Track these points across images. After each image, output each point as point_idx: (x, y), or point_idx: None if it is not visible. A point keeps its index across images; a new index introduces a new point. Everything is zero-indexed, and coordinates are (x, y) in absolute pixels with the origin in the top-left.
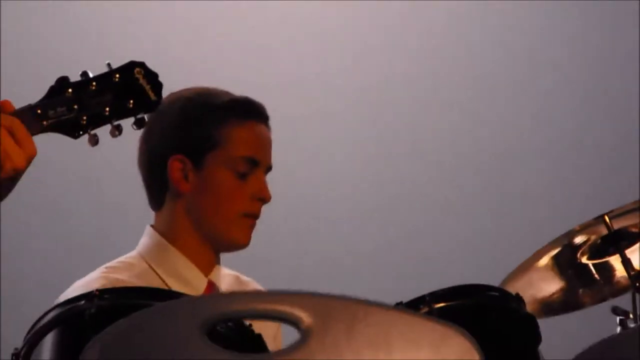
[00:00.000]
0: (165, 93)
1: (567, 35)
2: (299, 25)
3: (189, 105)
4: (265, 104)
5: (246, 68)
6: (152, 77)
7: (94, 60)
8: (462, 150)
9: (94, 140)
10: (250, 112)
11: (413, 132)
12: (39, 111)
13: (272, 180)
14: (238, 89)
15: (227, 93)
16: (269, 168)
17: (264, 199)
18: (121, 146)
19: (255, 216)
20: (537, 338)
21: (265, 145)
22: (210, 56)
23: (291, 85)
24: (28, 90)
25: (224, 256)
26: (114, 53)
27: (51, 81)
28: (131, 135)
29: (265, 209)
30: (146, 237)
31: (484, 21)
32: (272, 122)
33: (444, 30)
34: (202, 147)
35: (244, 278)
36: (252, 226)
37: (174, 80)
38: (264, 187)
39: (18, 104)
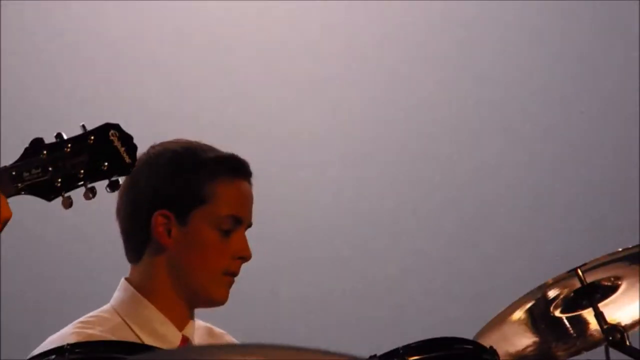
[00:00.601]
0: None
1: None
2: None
3: (177, 159)
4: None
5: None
6: (127, 140)
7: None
8: (433, 201)
9: (68, 203)
10: (237, 169)
11: (392, 180)
12: (13, 173)
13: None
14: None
15: (212, 149)
16: (249, 225)
17: (245, 257)
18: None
19: (234, 274)
20: None
21: (249, 203)
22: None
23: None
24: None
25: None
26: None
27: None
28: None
29: None
30: (121, 291)
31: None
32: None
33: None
34: (188, 203)
35: (217, 330)
36: (231, 284)
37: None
38: (245, 246)
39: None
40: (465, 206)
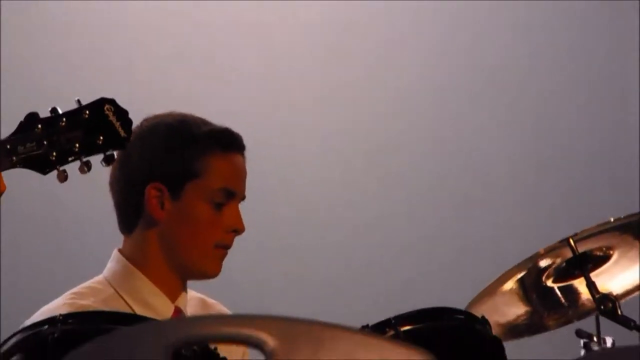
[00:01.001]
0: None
1: (528, 56)
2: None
3: (171, 132)
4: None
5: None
6: (122, 114)
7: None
8: (425, 171)
9: (63, 176)
10: (231, 143)
11: (378, 158)
12: (8, 147)
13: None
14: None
15: (206, 122)
16: (243, 198)
17: (238, 230)
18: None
19: (227, 247)
20: None
21: (242, 176)
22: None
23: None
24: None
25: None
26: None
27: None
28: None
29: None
30: (113, 262)
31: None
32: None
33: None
34: (181, 177)
35: (210, 301)
36: (223, 257)
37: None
38: (239, 219)
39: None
40: (457, 175)
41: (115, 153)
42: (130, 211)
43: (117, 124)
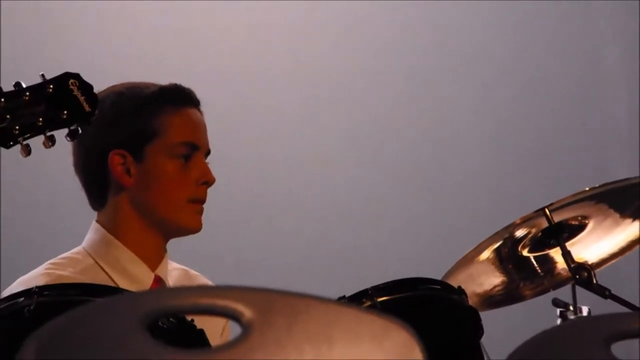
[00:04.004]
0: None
1: (505, 27)
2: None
3: (121, 99)
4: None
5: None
6: (87, 89)
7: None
8: (399, 141)
9: (27, 151)
10: (182, 98)
11: (352, 122)
12: None
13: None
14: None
15: (155, 84)
16: (208, 152)
17: (208, 182)
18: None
19: (201, 201)
20: (479, 331)
21: (201, 129)
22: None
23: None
24: None
25: (187, 251)
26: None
27: None
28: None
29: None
30: (91, 233)
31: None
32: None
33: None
34: (140, 139)
35: (192, 272)
36: (200, 211)
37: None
38: (206, 170)
39: None
40: (430, 145)
41: (79, 128)
42: (98, 184)
43: (82, 99)
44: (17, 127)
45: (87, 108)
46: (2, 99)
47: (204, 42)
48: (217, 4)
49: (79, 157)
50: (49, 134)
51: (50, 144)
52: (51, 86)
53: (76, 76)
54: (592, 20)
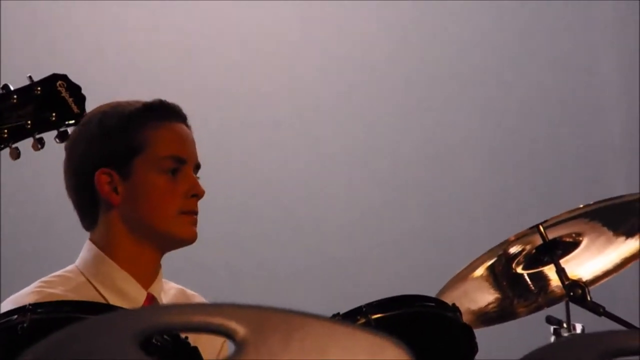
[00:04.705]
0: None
1: (500, 42)
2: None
3: (106, 117)
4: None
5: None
6: (75, 90)
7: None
8: (395, 156)
9: (16, 154)
10: (166, 113)
11: (347, 136)
12: None
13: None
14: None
15: (139, 101)
16: (197, 166)
17: (197, 194)
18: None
19: (193, 212)
20: (473, 348)
21: (187, 142)
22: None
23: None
24: None
25: (180, 264)
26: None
27: None
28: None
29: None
30: (85, 251)
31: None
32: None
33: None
34: (126, 155)
35: (189, 292)
36: (194, 222)
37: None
38: (195, 183)
39: None
40: (426, 160)
41: (69, 130)
42: (88, 204)
43: (70, 100)
44: (5, 131)
45: (75, 109)
46: None
47: (198, 53)
48: (211, 16)
49: (69, 179)
50: (38, 136)
51: (39, 146)
52: (39, 88)
53: (64, 77)
54: (588, 34)
